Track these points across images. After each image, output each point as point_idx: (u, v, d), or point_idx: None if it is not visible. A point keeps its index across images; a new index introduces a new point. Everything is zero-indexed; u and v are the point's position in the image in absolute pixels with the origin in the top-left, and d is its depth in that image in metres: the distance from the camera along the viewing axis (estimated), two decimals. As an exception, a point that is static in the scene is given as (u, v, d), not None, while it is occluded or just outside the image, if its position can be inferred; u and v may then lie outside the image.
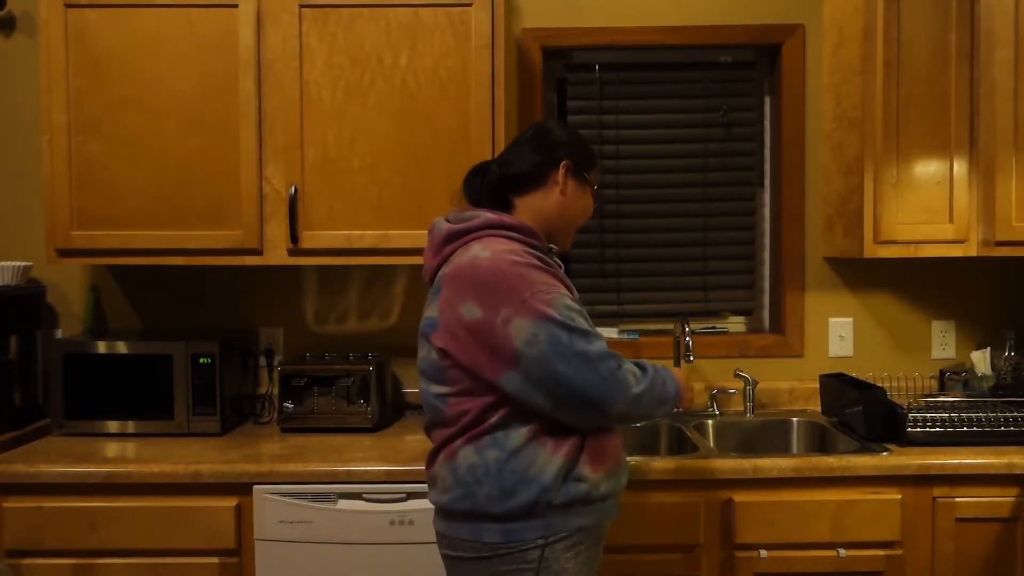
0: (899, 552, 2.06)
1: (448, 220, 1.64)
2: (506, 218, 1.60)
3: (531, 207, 1.66)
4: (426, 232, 2.23)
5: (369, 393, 2.35)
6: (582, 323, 1.50)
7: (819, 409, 2.58)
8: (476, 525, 1.53)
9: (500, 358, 1.48)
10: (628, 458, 1.90)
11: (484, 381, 1.51)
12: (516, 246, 1.56)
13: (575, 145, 1.71)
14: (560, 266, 1.70)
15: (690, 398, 1.72)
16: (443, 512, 1.60)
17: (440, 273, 1.60)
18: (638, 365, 1.59)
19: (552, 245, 1.69)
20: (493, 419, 1.51)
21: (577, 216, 1.72)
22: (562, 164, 1.67)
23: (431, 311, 1.58)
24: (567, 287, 1.57)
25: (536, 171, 1.67)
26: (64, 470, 2.03)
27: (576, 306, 1.53)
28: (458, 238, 1.59)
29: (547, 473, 1.50)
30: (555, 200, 1.67)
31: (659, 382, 1.60)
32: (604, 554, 1.75)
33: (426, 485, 1.83)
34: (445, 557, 1.62)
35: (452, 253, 1.59)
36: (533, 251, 1.57)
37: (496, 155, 2.24)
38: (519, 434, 1.51)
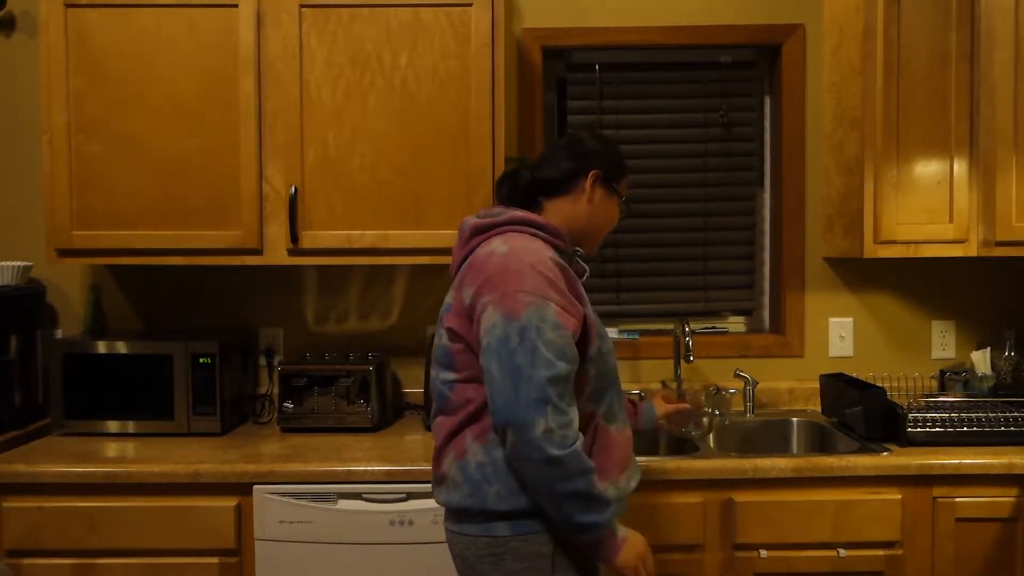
0: (899, 552, 2.06)
1: (477, 217, 1.66)
2: (532, 215, 1.62)
3: (559, 211, 1.68)
4: (426, 232, 2.27)
5: (369, 393, 2.35)
6: (549, 347, 1.43)
7: (819, 409, 2.58)
8: (487, 524, 1.52)
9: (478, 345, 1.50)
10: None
11: None
12: (539, 244, 1.57)
13: (606, 155, 1.71)
14: (586, 269, 1.71)
15: (634, 567, 1.54)
16: (453, 512, 1.59)
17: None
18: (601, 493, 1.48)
19: (577, 248, 1.71)
20: None
21: (602, 226, 1.73)
22: (591, 173, 1.68)
23: (448, 297, 1.62)
24: (578, 299, 1.55)
25: (565, 178, 1.68)
26: (64, 470, 2.03)
27: (562, 331, 1.45)
28: (484, 232, 1.61)
29: None
30: (582, 208, 1.68)
31: (591, 494, 1.45)
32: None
33: (429, 485, 1.83)
34: (458, 559, 1.60)
35: (477, 246, 1.61)
36: (557, 254, 1.58)
37: (496, 155, 2.26)
38: None
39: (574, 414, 1.47)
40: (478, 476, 1.52)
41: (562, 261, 1.57)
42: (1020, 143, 2.26)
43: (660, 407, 2.04)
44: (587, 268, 1.72)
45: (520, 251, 1.53)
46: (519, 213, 1.62)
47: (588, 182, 1.68)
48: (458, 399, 1.56)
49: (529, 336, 1.43)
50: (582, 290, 1.59)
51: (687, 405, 2.06)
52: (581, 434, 1.48)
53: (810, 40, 2.65)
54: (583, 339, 1.54)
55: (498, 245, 1.55)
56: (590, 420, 1.58)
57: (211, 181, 2.27)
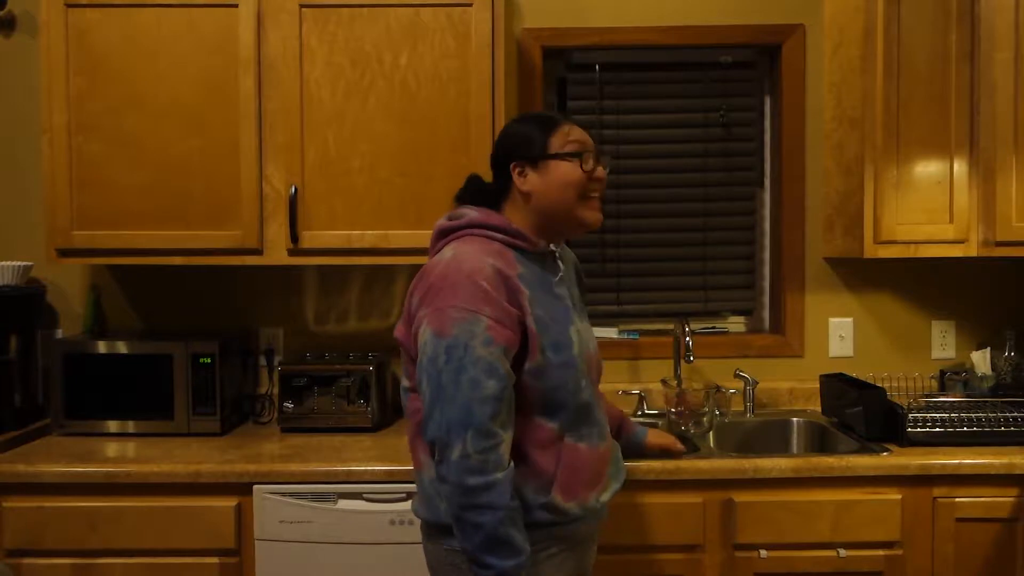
0: (899, 552, 2.06)
1: (446, 219, 1.63)
2: (492, 218, 1.57)
3: (514, 210, 1.61)
4: (426, 232, 2.23)
5: (369, 393, 2.35)
6: (477, 365, 1.39)
7: (819, 409, 2.58)
8: (445, 536, 1.51)
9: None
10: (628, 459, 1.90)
11: None
12: (490, 247, 1.52)
13: (516, 138, 1.61)
14: (560, 269, 1.64)
15: None
16: (420, 522, 1.61)
17: None
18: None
19: (553, 247, 1.64)
20: None
21: (560, 198, 1.57)
22: (512, 168, 1.59)
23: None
24: (520, 309, 1.47)
25: (499, 183, 1.63)
26: (64, 470, 2.03)
27: (493, 347, 1.41)
28: (446, 236, 1.59)
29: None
30: (527, 199, 1.59)
31: (496, 535, 1.38)
32: (603, 554, 1.76)
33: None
34: (428, 565, 1.60)
35: (439, 250, 1.59)
36: (521, 256, 1.55)
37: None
38: None
39: (506, 436, 1.41)
40: (431, 490, 1.52)
41: (505, 269, 1.48)
42: (1020, 143, 2.26)
43: (653, 438, 2.04)
44: (561, 267, 1.64)
45: (461, 258, 1.48)
46: (477, 216, 1.57)
47: (516, 176, 1.59)
48: (411, 407, 1.57)
49: (455, 355, 1.39)
50: (525, 302, 1.48)
51: (682, 448, 2.06)
52: (512, 463, 1.43)
53: (810, 40, 2.65)
54: (522, 352, 1.47)
55: (448, 250, 1.53)
56: (549, 435, 1.51)
57: (211, 181, 2.27)
